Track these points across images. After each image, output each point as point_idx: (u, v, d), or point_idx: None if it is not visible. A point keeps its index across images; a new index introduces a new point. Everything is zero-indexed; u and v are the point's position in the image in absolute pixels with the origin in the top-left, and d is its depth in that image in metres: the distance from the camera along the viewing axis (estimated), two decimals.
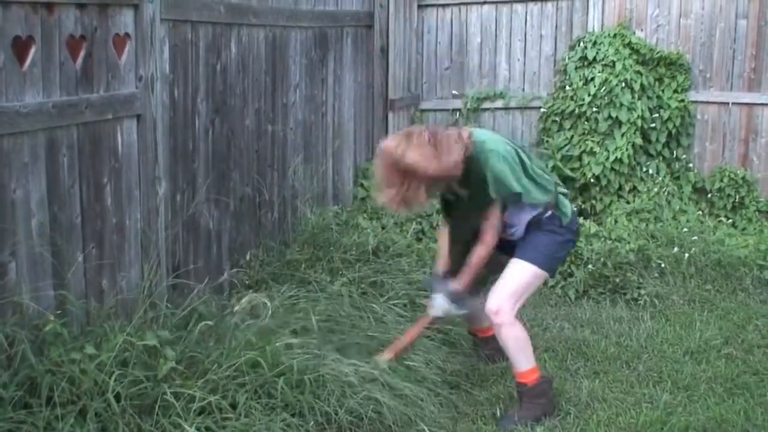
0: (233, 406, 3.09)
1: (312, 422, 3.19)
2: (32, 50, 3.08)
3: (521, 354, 3.75)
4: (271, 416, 3.11)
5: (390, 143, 3.55)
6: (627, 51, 6.64)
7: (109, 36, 3.48)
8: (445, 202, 3.91)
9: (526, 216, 3.74)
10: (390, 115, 6.57)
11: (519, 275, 3.74)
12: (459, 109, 7.13)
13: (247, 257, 4.70)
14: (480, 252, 3.73)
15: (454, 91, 7.17)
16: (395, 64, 6.61)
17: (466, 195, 3.70)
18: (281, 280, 4.49)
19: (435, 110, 7.21)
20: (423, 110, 7.18)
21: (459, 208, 3.81)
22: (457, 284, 3.80)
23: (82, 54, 3.34)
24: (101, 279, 3.52)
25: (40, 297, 3.16)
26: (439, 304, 3.85)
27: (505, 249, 3.80)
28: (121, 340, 3.00)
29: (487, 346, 4.25)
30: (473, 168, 3.57)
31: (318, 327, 3.77)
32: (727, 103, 6.75)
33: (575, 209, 4.02)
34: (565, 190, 3.99)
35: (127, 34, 3.59)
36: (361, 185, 6.33)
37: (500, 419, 3.75)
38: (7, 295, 3.01)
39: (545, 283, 5.40)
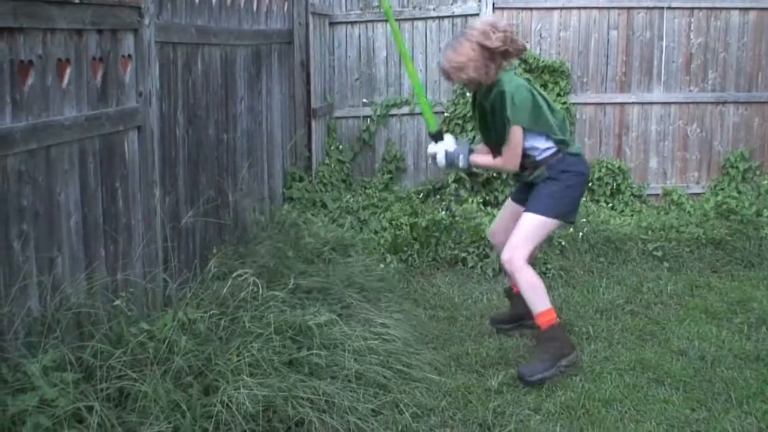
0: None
1: None
2: (68, 71, 3.55)
3: (534, 295, 4.29)
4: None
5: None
6: (516, 61, 7.52)
7: (118, 57, 3.97)
8: (480, 114, 4.54)
9: (541, 145, 4.34)
10: (313, 122, 7.19)
11: (524, 226, 4.33)
12: (370, 116, 7.84)
13: (213, 251, 5.21)
14: (497, 161, 4.44)
15: (364, 100, 7.88)
16: (315, 76, 7.24)
17: (488, 108, 4.37)
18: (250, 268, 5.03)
19: (347, 117, 7.89)
20: (337, 117, 7.85)
21: (485, 124, 4.47)
22: (471, 152, 4.54)
23: (100, 74, 3.81)
24: (117, 272, 4.00)
25: (78, 287, 3.62)
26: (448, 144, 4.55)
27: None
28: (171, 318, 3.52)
29: (518, 304, 4.71)
30: (496, 90, 4.28)
31: None
32: (603, 104, 7.78)
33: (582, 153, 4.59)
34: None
35: (129, 56, 4.08)
36: (289, 187, 6.91)
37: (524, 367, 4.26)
38: (56, 284, 3.47)
39: (464, 263, 6.22)
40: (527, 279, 4.30)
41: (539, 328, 4.35)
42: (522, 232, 4.34)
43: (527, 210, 4.38)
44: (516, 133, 4.28)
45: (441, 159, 4.53)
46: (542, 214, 4.33)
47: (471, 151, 4.58)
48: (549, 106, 4.39)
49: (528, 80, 4.52)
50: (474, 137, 7.27)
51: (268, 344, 3.80)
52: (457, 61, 4.29)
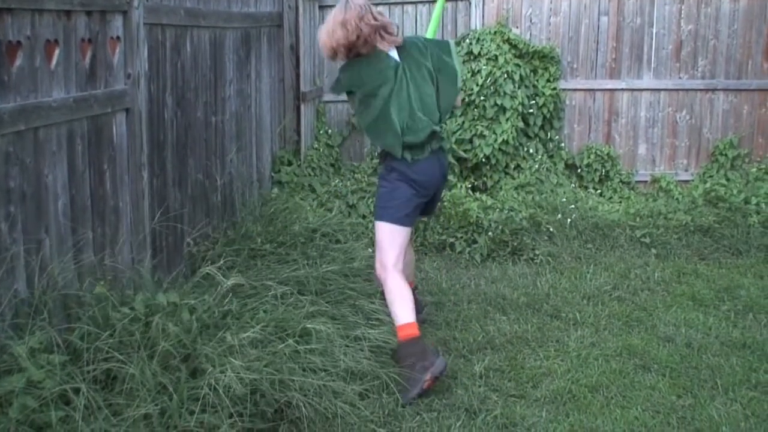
0: None
1: None
2: (56, 52, 3.52)
3: (394, 306, 4.09)
4: None
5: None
6: (506, 46, 7.51)
7: (107, 39, 3.94)
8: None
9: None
10: (302, 106, 7.17)
11: (376, 234, 4.28)
12: None
13: (202, 234, 5.20)
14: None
15: None
16: (305, 59, 7.21)
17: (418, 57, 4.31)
18: (239, 253, 5.03)
19: (336, 101, 7.85)
20: (326, 102, 7.82)
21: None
22: None
23: (89, 55, 3.79)
24: (104, 255, 3.98)
25: (65, 269, 3.60)
26: None
27: None
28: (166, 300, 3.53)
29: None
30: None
31: None
32: (592, 90, 7.79)
33: (424, 157, 4.21)
34: (415, 140, 4.17)
35: (118, 37, 4.05)
36: (278, 171, 6.90)
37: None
38: (43, 266, 3.46)
39: (452, 249, 6.21)
40: (389, 288, 4.13)
41: (397, 344, 4.08)
42: (377, 241, 4.27)
43: None
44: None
45: None
46: (377, 219, 4.26)
47: None
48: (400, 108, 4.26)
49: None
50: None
51: (256, 332, 3.80)
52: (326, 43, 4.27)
